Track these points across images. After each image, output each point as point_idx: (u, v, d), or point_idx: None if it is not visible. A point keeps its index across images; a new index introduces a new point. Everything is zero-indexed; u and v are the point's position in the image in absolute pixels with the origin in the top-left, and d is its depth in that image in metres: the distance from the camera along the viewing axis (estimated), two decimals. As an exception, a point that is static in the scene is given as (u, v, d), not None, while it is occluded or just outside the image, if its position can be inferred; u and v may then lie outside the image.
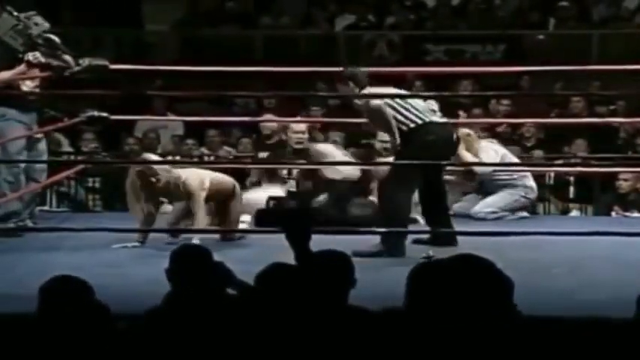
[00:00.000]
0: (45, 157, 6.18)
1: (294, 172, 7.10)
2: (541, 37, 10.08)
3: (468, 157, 6.83)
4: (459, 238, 5.52)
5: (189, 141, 8.31)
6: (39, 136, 6.08)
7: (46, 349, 3.02)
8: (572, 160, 7.68)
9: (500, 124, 8.28)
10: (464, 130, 6.88)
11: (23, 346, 3.03)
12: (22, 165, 5.91)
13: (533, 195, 7.02)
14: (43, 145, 6.13)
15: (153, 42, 10.69)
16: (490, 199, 6.95)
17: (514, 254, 5.05)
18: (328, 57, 9.81)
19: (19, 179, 5.93)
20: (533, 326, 3.03)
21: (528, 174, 7.01)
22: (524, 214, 6.95)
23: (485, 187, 7.03)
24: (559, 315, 3.98)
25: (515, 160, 7.21)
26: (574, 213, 7.60)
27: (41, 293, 3.15)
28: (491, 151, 6.97)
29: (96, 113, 6.47)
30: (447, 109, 8.09)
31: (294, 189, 7.02)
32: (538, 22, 10.27)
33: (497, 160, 6.93)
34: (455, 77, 8.91)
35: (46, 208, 7.19)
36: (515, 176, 6.94)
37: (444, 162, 5.80)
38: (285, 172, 7.13)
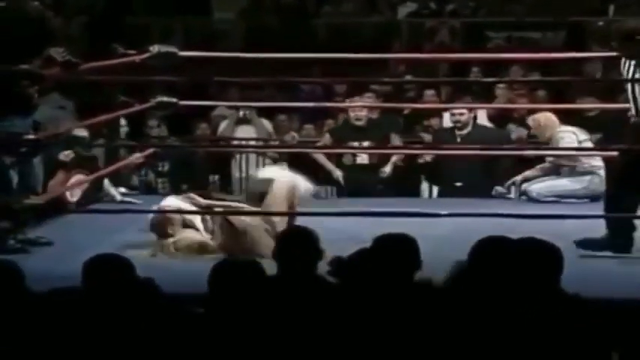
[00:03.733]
0: (39, 169, 5.67)
1: (364, 145, 7.39)
2: (601, 23, 10.09)
3: None
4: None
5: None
6: None
7: (89, 325, 3.06)
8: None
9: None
10: (547, 117, 7.04)
11: (68, 323, 3.08)
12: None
13: (596, 187, 6.87)
14: (38, 158, 5.62)
15: (221, 30, 10.89)
16: (552, 183, 7.08)
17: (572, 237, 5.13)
18: (391, 44, 9.98)
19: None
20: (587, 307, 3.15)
21: (602, 165, 6.93)
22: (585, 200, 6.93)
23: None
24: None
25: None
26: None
27: (84, 271, 3.23)
28: (567, 137, 7.00)
29: (165, 99, 6.71)
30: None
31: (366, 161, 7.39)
32: (598, 8, 10.30)
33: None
34: (516, 64, 8.97)
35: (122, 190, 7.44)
36: (585, 165, 6.97)
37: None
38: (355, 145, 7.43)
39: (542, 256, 3.20)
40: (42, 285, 4.12)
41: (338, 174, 7.61)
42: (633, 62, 5.23)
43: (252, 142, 8.07)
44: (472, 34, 10.21)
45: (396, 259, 3.31)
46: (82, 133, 6.80)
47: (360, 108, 7.57)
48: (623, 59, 5.27)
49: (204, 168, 8.05)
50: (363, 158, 7.62)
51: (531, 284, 3.16)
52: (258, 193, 5.52)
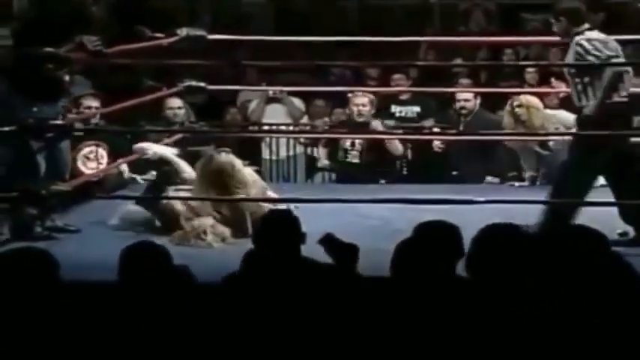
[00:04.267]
0: (66, 155, 5.62)
1: (357, 144, 7.22)
2: (641, 5, 9.89)
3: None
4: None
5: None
6: None
7: (127, 313, 3.06)
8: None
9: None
10: (530, 100, 6.91)
11: (105, 312, 3.08)
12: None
13: None
14: (66, 144, 5.60)
15: (250, 13, 10.76)
16: None
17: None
18: (424, 27, 9.80)
19: None
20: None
21: None
22: None
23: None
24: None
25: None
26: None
27: (121, 259, 3.20)
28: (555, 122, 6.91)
29: (194, 83, 6.57)
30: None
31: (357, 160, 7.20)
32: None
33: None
34: (551, 46, 8.79)
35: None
36: None
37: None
38: (348, 143, 7.25)
39: (589, 244, 3.08)
40: (70, 273, 4.06)
41: (325, 162, 7.46)
42: (574, 50, 5.14)
43: (282, 127, 7.93)
44: (507, 16, 10.01)
45: (440, 247, 3.22)
46: (94, 103, 6.66)
47: (363, 103, 7.31)
48: None
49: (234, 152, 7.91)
50: (354, 156, 7.40)
51: (577, 272, 3.02)
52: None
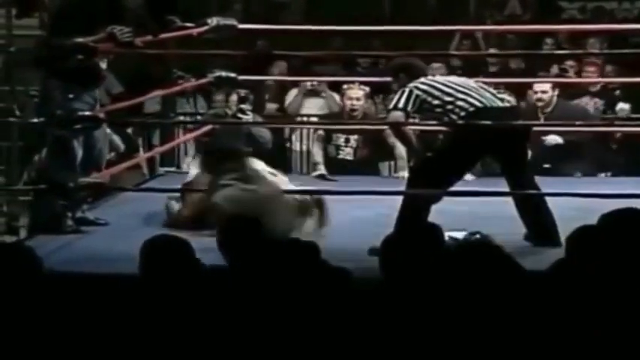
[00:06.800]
0: (103, 144, 5.54)
1: (352, 140, 7.03)
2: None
3: None
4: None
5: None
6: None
7: (149, 307, 3.02)
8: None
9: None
10: None
11: (126, 306, 3.04)
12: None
13: None
14: (102, 133, 5.49)
15: (281, 2, 10.67)
16: None
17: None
18: (458, 15, 9.67)
19: None
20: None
21: None
22: None
23: None
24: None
25: None
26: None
27: (142, 253, 3.17)
28: None
29: (224, 74, 6.49)
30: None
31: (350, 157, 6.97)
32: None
33: None
34: (588, 35, 8.66)
35: (172, 169, 7.26)
36: None
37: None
38: (342, 140, 7.06)
39: None
40: (98, 266, 4.02)
41: (321, 168, 7.06)
42: None
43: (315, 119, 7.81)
44: (544, 4, 9.86)
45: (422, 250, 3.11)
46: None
47: (358, 97, 7.00)
48: None
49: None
50: (347, 153, 7.15)
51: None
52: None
